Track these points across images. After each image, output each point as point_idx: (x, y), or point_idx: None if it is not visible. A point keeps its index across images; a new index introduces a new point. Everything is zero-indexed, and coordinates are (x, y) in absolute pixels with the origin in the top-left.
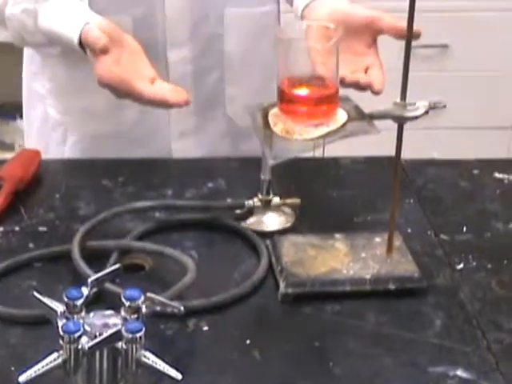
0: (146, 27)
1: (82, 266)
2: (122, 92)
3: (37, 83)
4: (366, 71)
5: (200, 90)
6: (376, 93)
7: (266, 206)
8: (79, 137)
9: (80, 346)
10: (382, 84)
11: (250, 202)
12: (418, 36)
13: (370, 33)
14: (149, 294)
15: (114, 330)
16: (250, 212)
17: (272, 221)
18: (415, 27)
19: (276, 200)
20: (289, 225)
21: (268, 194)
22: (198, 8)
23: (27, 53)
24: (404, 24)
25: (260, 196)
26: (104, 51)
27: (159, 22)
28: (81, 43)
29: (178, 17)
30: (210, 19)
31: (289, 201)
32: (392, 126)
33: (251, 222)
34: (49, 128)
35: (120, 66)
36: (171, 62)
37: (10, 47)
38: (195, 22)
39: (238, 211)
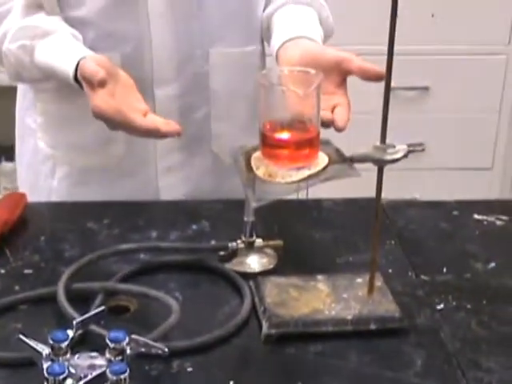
0: (134, 64)
1: (67, 308)
2: (116, 122)
3: (29, 118)
4: (333, 110)
5: (186, 126)
6: (339, 130)
7: (250, 247)
8: (67, 170)
9: None
10: (345, 122)
11: (234, 243)
12: (381, 77)
13: (339, 73)
14: (133, 336)
15: (98, 371)
16: (234, 254)
17: (255, 262)
18: (380, 69)
19: (259, 242)
20: (272, 266)
21: (251, 235)
22: (184, 47)
23: (20, 88)
24: (370, 66)
25: (243, 238)
26: (101, 84)
27: (147, 59)
28: (76, 77)
29: (164, 55)
30: (196, 58)
31: (272, 243)
32: (373, 167)
33: (235, 263)
34: (39, 161)
35: (115, 99)
36: (158, 99)
37: None
38: (181, 60)
39: (221, 253)
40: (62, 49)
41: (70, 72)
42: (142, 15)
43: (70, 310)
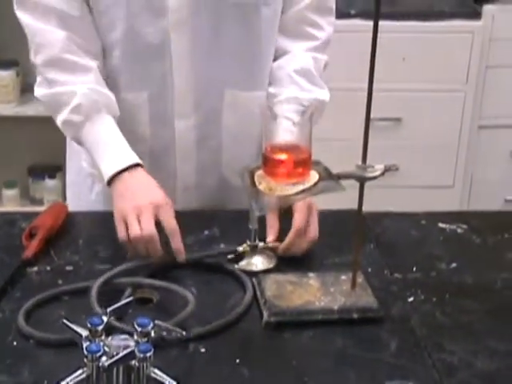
0: (159, 101)
1: (96, 307)
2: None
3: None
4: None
5: (201, 153)
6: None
7: (254, 250)
8: (102, 186)
9: (100, 364)
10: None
11: (240, 248)
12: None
13: None
14: (157, 322)
15: (128, 350)
16: (241, 256)
17: (258, 263)
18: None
19: (261, 244)
20: (271, 266)
21: (255, 240)
22: (201, 89)
23: None
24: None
25: (248, 242)
26: None
27: (169, 97)
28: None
29: (184, 94)
30: (211, 97)
31: (271, 245)
32: (355, 184)
33: (242, 264)
34: (81, 178)
35: None
36: (178, 129)
37: (32, 120)
38: (198, 99)
39: (228, 256)
40: (107, 148)
41: (105, 180)
42: (166, 62)
43: (97, 309)
